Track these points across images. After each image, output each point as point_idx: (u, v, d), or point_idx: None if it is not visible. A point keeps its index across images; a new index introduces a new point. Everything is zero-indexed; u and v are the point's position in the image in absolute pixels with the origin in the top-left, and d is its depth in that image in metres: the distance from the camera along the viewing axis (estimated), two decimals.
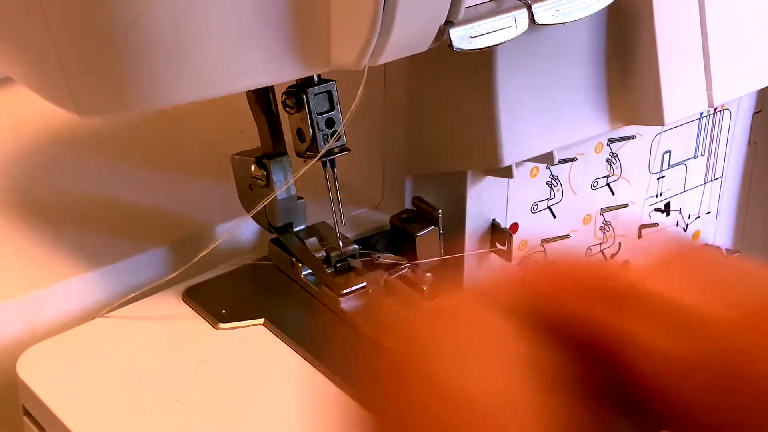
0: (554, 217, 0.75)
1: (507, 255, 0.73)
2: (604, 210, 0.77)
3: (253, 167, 0.67)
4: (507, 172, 0.69)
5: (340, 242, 0.66)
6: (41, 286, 0.68)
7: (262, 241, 0.71)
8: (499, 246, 0.73)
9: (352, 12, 0.56)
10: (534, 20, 0.61)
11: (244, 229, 0.72)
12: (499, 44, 0.61)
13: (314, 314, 0.65)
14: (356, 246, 0.67)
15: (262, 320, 0.65)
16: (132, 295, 0.66)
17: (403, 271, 0.66)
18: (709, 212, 0.82)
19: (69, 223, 0.73)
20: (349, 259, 0.67)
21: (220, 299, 0.66)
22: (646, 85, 0.69)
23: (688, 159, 0.79)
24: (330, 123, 0.65)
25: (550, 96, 0.68)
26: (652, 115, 0.70)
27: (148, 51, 0.55)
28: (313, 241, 0.67)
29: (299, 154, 0.65)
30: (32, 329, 0.67)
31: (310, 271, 0.67)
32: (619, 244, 0.78)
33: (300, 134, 0.65)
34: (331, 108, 0.65)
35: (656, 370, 0.34)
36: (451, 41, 0.59)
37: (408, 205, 0.72)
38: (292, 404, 0.60)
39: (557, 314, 0.33)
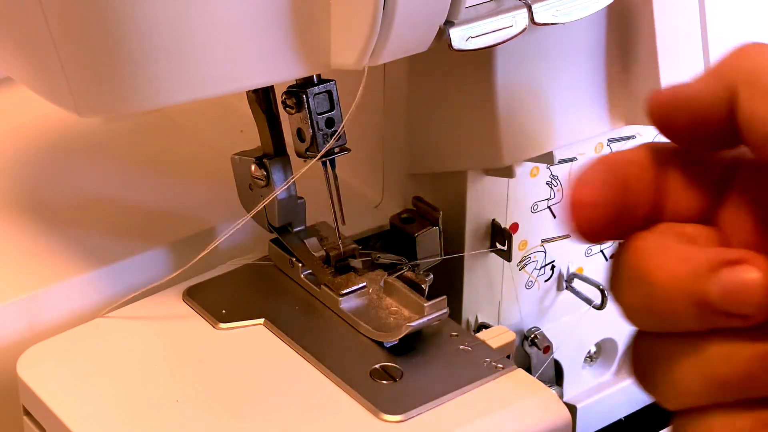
0: (554, 217, 0.75)
1: (507, 255, 0.73)
2: None
3: (253, 167, 0.67)
4: (507, 172, 0.69)
5: (340, 242, 0.66)
6: (41, 286, 0.68)
7: (262, 241, 0.71)
8: (499, 246, 0.73)
9: (352, 12, 0.56)
10: (534, 20, 0.61)
11: (244, 229, 0.72)
12: (499, 44, 0.61)
13: (314, 314, 0.65)
14: (356, 246, 0.67)
15: (262, 320, 0.65)
16: (132, 295, 0.66)
17: (403, 271, 0.66)
18: None
19: (69, 223, 0.73)
20: (349, 259, 0.67)
21: (220, 299, 0.66)
22: (646, 85, 0.69)
23: None
24: (330, 123, 0.65)
25: (550, 96, 0.68)
26: None
27: (148, 51, 0.55)
28: (313, 241, 0.67)
29: (299, 154, 0.65)
30: (32, 329, 0.67)
31: (310, 271, 0.67)
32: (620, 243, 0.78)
33: (300, 134, 0.65)
34: (331, 108, 0.65)
35: None
36: (451, 41, 0.59)
37: (408, 205, 0.72)
38: (292, 404, 0.60)
39: None
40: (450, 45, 0.59)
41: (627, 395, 0.82)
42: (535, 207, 0.74)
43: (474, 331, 0.74)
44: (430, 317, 0.63)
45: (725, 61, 0.48)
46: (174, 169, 0.79)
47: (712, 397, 0.46)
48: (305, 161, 0.64)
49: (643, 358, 0.49)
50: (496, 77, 0.66)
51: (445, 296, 0.63)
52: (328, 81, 0.65)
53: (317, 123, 0.64)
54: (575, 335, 0.79)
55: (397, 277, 0.65)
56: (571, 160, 0.73)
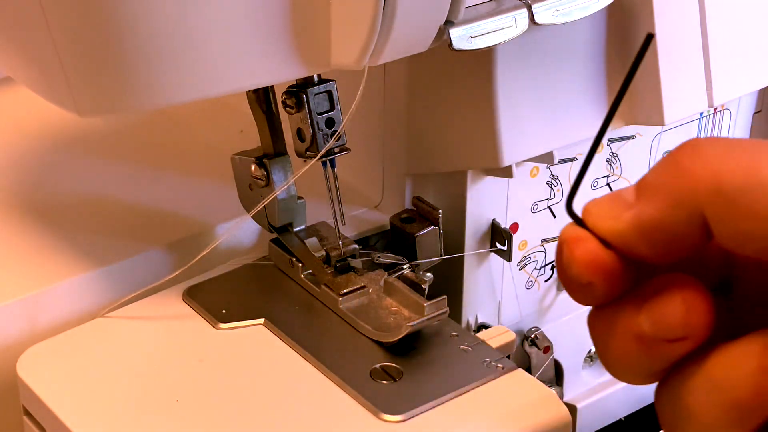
0: (554, 217, 0.75)
1: (507, 255, 0.73)
2: None
3: (253, 167, 0.67)
4: (507, 172, 0.69)
5: (340, 242, 0.66)
6: (41, 286, 0.68)
7: (262, 241, 0.71)
8: (499, 246, 0.73)
9: (352, 12, 0.56)
10: (534, 20, 0.61)
11: (244, 229, 0.72)
12: (499, 44, 0.61)
13: (314, 314, 0.65)
14: (356, 246, 0.67)
15: (262, 320, 0.65)
16: (132, 295, 0.66)
17: (403, 271, 0.66)
18: None
19: (69, 224, 0.73)
20: (349, 259, 0.67)
21: (220, 299, 0.66)
22: (646, 85, 0.69)
23: None
24: (330, 123, 0.65)
25: (550, 96, 0.68)
26: (652, 115, 0.70)
27: (149, 51, 0.55)
28: (313, 241, 0.67)
29: (299, 154, 0.65)
30: (32, 329, 0.67)
31: (310, 271, 0.67)
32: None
33: (300, 134, 0.65)
34: (331, 108, 0.65)
35: None
36: (451, 41, 0.59)
37: (408, 205, 0.72)
38: (292, 404, 0.60)
39: None
40: (450, 45, 0.59)
41: (627, 395, 0.82)
42: (535, 207, 0.74)
43: (474, 331, 0.74)
44: (430, 317, 0.63)
45: (676, 180, 0.45)
46: (173, 169, 0.79)
47: (740, 424, 0.46)
48: (305, 161, 0.64)
49: (663, 407, 0.48)
50: (496, 77, 0.66)
51: (445, 296, 0.63)
52: (328, 81, 0.65)
53: (317, 123, 0.64)
54: (575, 335, 0.79)
55: (397, 277, 0.65)
56: (571, 160, 0.73)
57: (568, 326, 0.78)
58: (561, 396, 0.79)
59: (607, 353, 0.48)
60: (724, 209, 0.43)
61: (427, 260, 0.69)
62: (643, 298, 0.46)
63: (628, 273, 0.46)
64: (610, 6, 0.64)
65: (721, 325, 0.48)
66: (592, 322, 0.48)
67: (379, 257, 0.67)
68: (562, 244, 0.46)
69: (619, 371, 0.48)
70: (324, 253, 0.67)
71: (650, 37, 0.46)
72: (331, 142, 0.64)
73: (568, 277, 0.46)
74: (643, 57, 0.47)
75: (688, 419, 0.46)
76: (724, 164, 0.43)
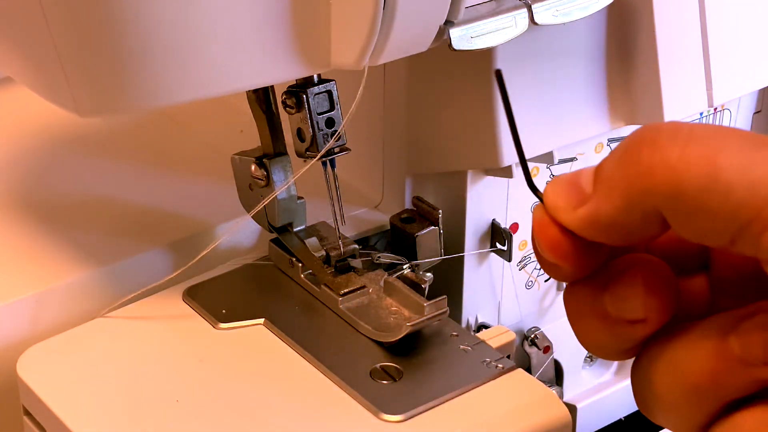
0: None
1: (507, 255, 0.73)
2: None
3: (253, 167, 0.67)
4: (507, 172, 0.69)
5: (340, 242, 0.66)
6: (41, 286, 0.68)
7: (262, 241, 0.71)
8: (499, 246, 0.73)
9: (352, 12, 0.56)
10: (534, 20, 0.61)
11: (244, 229, 0.72)
12: (499, 44, 0.61)
13: (314, 314, 0.65)
14: (356, 246, 0.67)
15: (262, 320, 0.65)
16: (132, 295, 0.66)
17: (403, 271, 0.66)
18: None
19: (69, 223, 0.73)
20: (349, 259, 0.67)
21: (220, 299, 0.66)
22: (646, 85, 0.70)
23: None
24: (330, 123, 0.65)
25: (550, 96, 0.68)
26: (652, 115, 0.70)
27: (148, 51, 0.55)
28: (313, 241, 0.67)
29: (299, 154, 0.66)
30: (32, 329, 0.67)
31: (310, 271, 0.67)
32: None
33: (300, 134, 0.65)
34: (331, 108, 0.65)
35: None
36: (451, 41, 0.59)
37: (408, 205, 0.72)
38: (292, 404, 0.60)
39: None
40: (450, 45, 0.59)
41: (627, 395, 0.82)
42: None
43: (474, 331, 0.74)
44: (430, 317, 0.63)
45: (633, 178, 0.44)
46: (174, 169, 0.79)
47: (699, 407, 0.46)
48: (305, 161, 0.64)
49: (635, 384, 0.49)
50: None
51: (445, 296, 0.63)
52: (328, 81, 0.65)
53: (317, 123, 0.64)
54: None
55: (397, 277, 0.65)
56: (571, 160, 0.73)
57: (568, 326, 0.78)
58: (561, 396, 0.79)
59: (578, 330, 0.48)
60: (682, 210, 0.43)
61: (427, 260, 0.69)
62: (608, 279, 0.46)
63: (595, 254, 0.46)
64: (610, 6, 0.64)
65: (705, 305, 0.49)
66: (566, 298, 0.49)
67: (379, 257, 0.67)
68: (532, 227, 0.47)
69: (592, 348, 0.49)
70: (324, 253, 0.67)
71: (498, 73, 0.46)
72: (331, 142, 0.64)
73: (539, 257, 0.47)
74: (506, 92, 0.46)
75: (654, 399, 0.47)
76: (683, 162, 0.42)
